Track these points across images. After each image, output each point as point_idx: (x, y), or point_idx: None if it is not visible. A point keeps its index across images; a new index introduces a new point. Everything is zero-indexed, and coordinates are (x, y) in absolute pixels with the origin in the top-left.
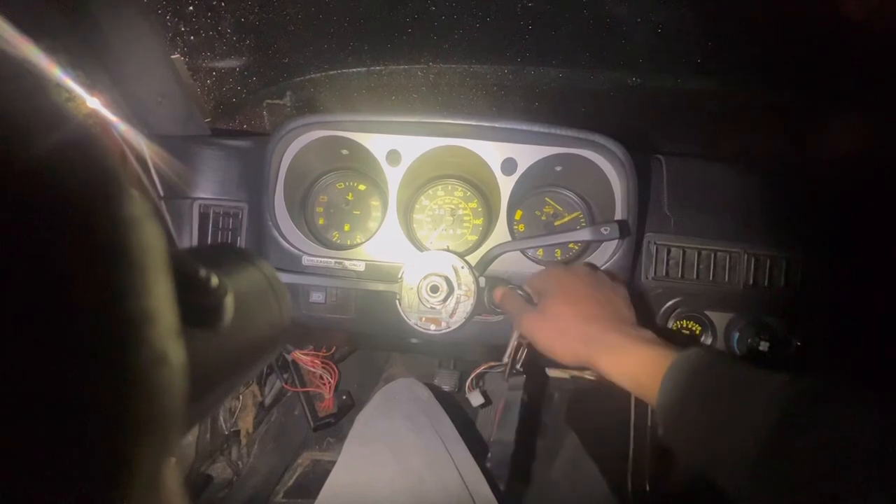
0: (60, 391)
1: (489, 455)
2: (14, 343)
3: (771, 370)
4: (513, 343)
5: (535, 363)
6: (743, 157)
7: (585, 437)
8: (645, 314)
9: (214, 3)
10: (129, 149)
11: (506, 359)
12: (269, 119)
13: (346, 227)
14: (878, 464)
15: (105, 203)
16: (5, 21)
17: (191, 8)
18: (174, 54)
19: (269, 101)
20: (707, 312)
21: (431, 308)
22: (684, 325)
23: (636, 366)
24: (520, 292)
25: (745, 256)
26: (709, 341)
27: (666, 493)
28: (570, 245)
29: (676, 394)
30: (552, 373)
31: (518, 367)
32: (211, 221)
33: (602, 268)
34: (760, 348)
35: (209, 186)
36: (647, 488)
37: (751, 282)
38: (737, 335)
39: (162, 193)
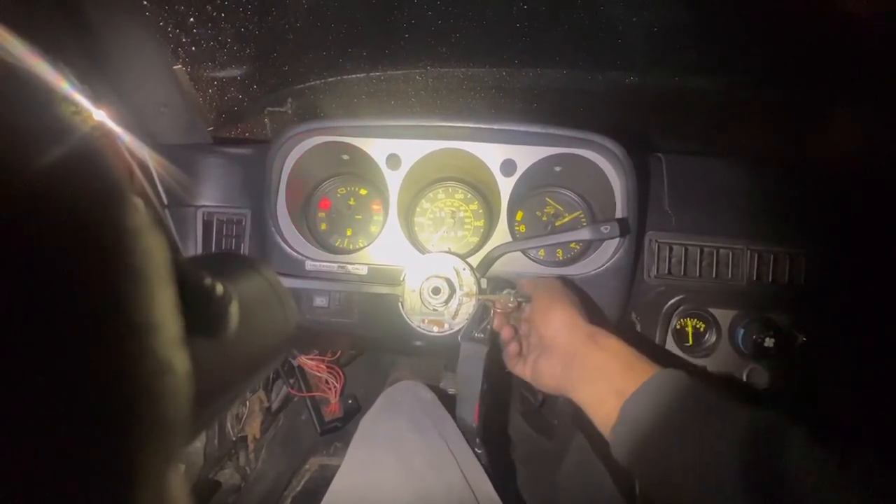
0: (65, 400)
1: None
2: (19, 352)
3: (736, 403)
4: (481, 303)
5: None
6: (743, 153)
7: (592, 439)
8: (648, 313)
9: (214, 14)
10: (134, 159)
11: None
12: (270, 126)
13: (349, 232)
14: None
15: (109, 214)
16: (15, 36)
17: (192, 19)
18: (176, 65)
19: (270, 108)
20: (711, 309)
21: (434, 310)
22: (688, 323)
23: (620, 365)
24: (520, 299)
25: (748, 252)
26: (713, 338)
27: None
28: (572, 245)
29: (639, 420)
30: None
31: (478, 333)
32: (214, 228)
33: (603, 267)
34: (766, 344)
35: (212, 194)
36: None
37: (754, 278)
38: (741, 332)
39: (166, 202)
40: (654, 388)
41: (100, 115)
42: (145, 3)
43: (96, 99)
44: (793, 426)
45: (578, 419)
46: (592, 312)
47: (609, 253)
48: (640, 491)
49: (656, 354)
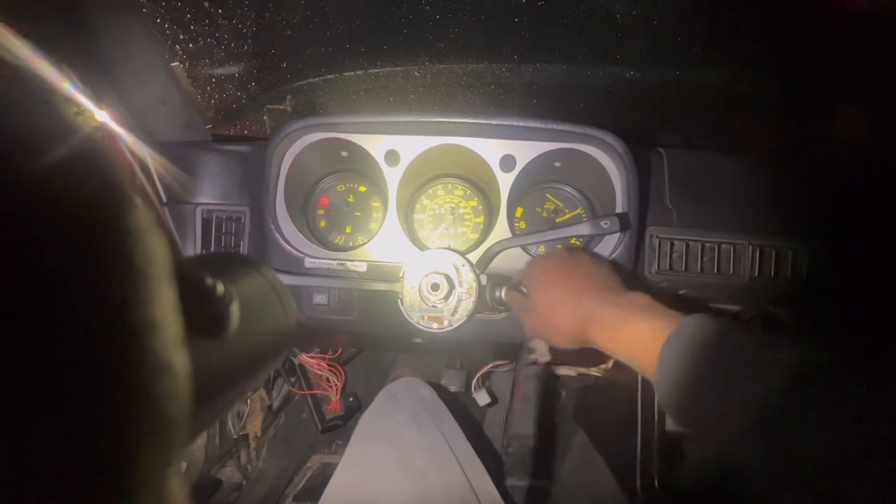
0: (65, 400)
1: (508, 448)
2: (18, 351)
3: (771, 338)
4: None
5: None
6: (745, 147)
7: (594, 434)
8: None
9: (212, 10)
10: (133, 156)
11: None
12: (269, 123)
13: (348, 229)
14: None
15: (110, 213)
16: (20, 38)
17: (189, 16)
18: (174, 62)
19: (269, 105)
20: (713, 305)
21: (433, 307)
22: None
23: (633, 338)
24: (522, 288)
25: (750, 248)
26: None
27: (675, 488)
28: (572, 240)
29: (674, 369)
30: (560, 370)
31: (532, 357)
32: (214, 226)
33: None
34: None
35: (211, 191)
36: (657, 484)
37: (756, 273)
38: None
39: (165, 199)
40: (684, 331)
41: (101, 116)
42: None
43: (97, 99)
44: (826, 358)
45: (579, 416)
46: (597, 267)
47: (610, 248)
48: (643, 488)
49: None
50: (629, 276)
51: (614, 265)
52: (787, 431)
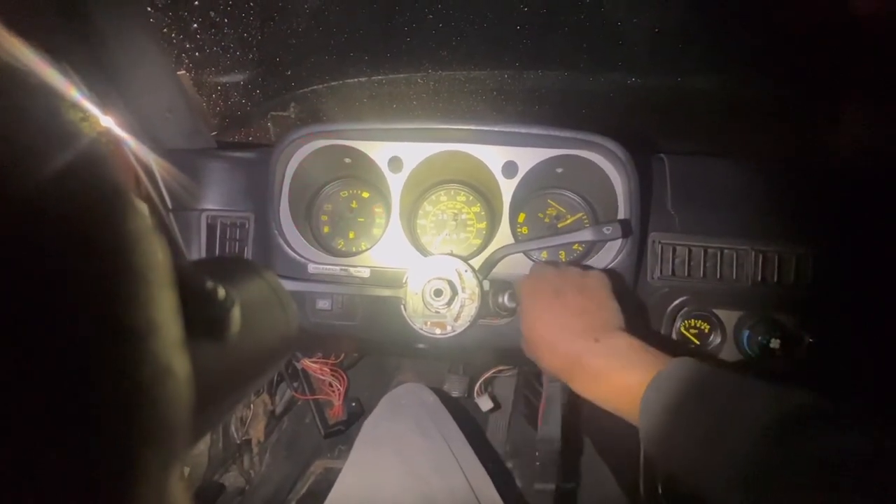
0: (65, 404)
1: (536, 454)
2: (18, 355)
3: (757, 380)
4: None
5: None
6: (747, 153)
7: (597, 439)
8: (652, 314)
9: (217, 20)
10: (139, 163)
11: None
12: (273, 130)
13: (351, 235)
14: (861, 482)
15: (110, 217)
16: (26, 45)
17: (195, 25)
18: (180, 71)
19: (273, 112)
20: (716, 311)
21: (436, 312)
22: (693, 325)
23: (615, 391)
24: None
25: (753, 253)
26: (718, 340)
27: (678, 493)
28: (574, 246)
29: (660, 410)
30: None
31: None
32: (218, 232)
33: (606, 268)
34: (772, 346)
35: (216, 198)
36: (660, 490)
37: (759, 279)
38: (747, 333)
39: (170, 206)
40: (667, 379)
41: (107, 122)
42: (149, 9)
43: (103, 105)
44: (818, 404)
45: (582, 420)
46: (589, 299)
47: (612, 254)
48: (646, 492)
49: (664, 343)
50: (622, 289)
51: (611, 275)
52: (773, 486)
